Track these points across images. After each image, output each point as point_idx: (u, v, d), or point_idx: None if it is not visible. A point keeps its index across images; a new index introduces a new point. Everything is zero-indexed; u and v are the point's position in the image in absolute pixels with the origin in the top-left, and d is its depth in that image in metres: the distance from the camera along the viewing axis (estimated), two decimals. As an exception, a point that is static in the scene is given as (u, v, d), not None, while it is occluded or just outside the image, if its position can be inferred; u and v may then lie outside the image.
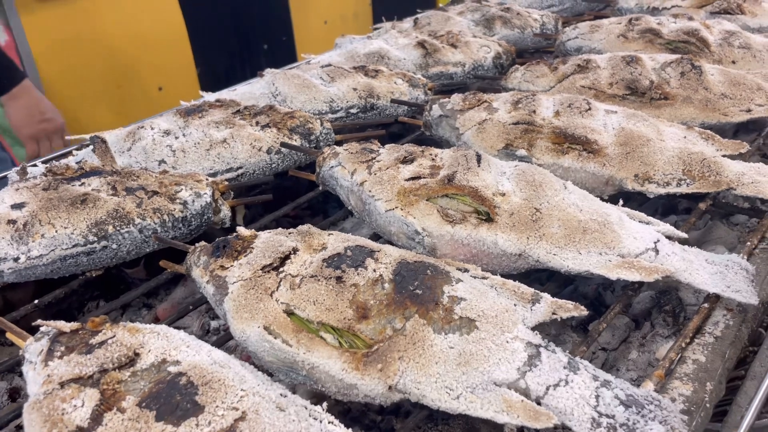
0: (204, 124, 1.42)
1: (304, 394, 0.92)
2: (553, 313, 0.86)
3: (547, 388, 0.76)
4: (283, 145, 1.41)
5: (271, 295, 0.88)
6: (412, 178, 1.11)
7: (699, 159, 1.19)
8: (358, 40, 2.16)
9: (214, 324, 1.25)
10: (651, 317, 1.13)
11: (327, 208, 1.65)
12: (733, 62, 1.63)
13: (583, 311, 0.87)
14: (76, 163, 1.30)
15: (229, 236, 1.01)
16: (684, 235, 1.05)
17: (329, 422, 0.73)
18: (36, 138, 2.04)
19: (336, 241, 0.97)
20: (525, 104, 1.37)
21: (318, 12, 3.64)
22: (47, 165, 1.26)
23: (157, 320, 1.27)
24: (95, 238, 1.10)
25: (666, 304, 1.12)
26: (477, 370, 0.77)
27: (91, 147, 1.42)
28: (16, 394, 1.16)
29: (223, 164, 1.37)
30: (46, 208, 1.10)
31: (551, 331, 1.09)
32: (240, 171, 1.38)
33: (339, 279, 0.88)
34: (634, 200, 1.26)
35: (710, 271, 0.97)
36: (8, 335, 0.89)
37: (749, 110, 1.40)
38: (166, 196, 1.18)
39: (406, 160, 1.16)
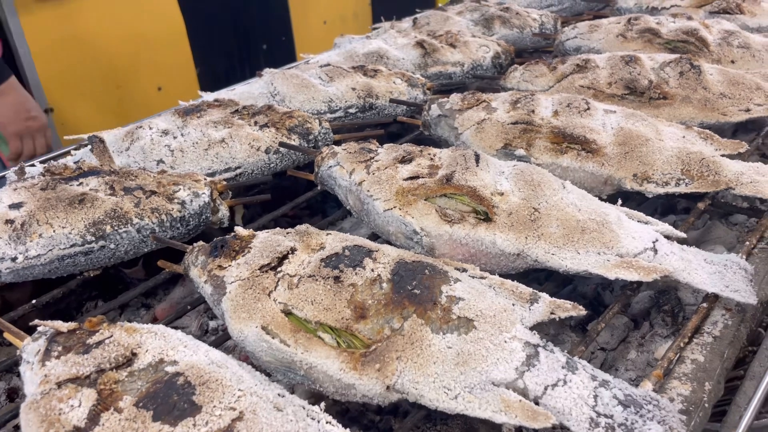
0: (202, 124, 1.42)
1: (302, 394, 0.92)
2: (552, 313, 0.86)
3: (546, 388, 0.75)
4: (281, 144, 1.40)
5: (269, 295, 0.88)
6: (411, 178, 1.11)
7: (698, 159, 1.19)
8: (357, 39, 2.16)
9: (212, 324, 1.25)
10: (650, 317, 1.13)
11: (326, 208, 1.65)
12: (732, 62, 1.62)
13: (581, 311, 0.87)
14: (74, 162, 1.30)
15: (227, 236, 1.01)
16: (683, 234, 1.05)
17: (327, 422, 0.73)
18: (20, 135, 2.04)
19: (334, 240, 0.96)
20: (524, 104, 1.37)
21: (317, 12, 3.64)
22: (45, 165, 1.25)
23: (155, 320, 1.27)
24: (93, 238, 1.10)
25: (665, 304, 1.12)
26: (475, 370, 0.76)
27: (89, 147, 1.42)
28: (15, 395, 1.16)
29: (222, 164, 1.37)
30: (44, 207, 1.10)
31: (550, 330, 1.09)
32: (238, 171, 1.38)
33: (337, 279, 0.87)
34: (633, 200, 1.26)
35: (709, 270, 0.96)
36: (6, 335, 0.89)
37: (748, 110, 1.40)
38: (164, 196, 1.18)
39: (405, 160, 1.16)
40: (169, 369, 0.74)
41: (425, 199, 1.07)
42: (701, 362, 0.88)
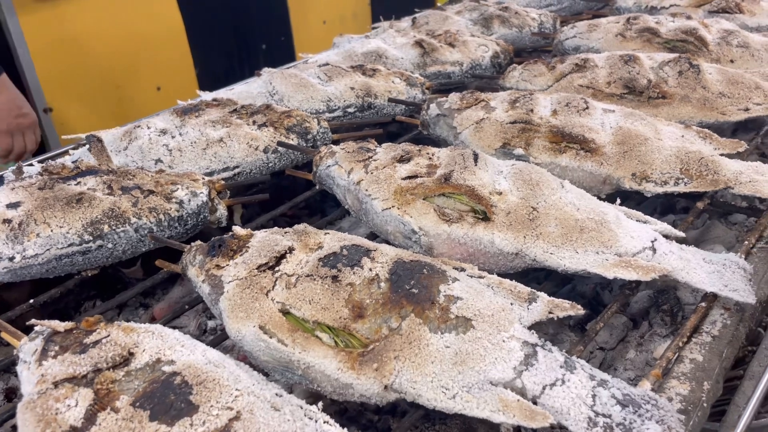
0: (201, 124, 1.42)
1: (300, 394, 0.92)
2: (550, 312, 0.86)
3: (544, 388, 0.75)
4: (279, 144, 1.40)
5: (266, 295, 0.88)
6: (409, 177, 1.11)
7: (697, 158, 1.19)
8: (356, 39, 2.16)
9: (211, 323, 1.25)
10: (649, 316, 1.13)
11: (324, 208, 1.65)
12: (732, 61, 1.62)
13: (579, 310, 0.87)
14: (72, 162, 1.30)
15: (224, 235, 1.01)
16: (681, 234, 1.05)
17: (324, 422, 0.73)
18: (11, 132, 2.04)
19: (332, 240, 0.96)
20: (522, 103, 1.37)
21: (317, 12, 3.64)
22: (43, 164, 1.25)
23: (153, 320, 1.27)
24: (91, 238, 1.10)
25: (664, 304, 1.12)
26: (473, 370, 0.76)
27: (87, 146, 1.42)
28: (12, 394, 1.16)
29: (220, 163, 1.37)
30: (42, 207, 1.10)
31: (549, 330, 1.09)
32: (237, 170, 1.38)
33: (335, 278, 0.87)
34: (632, 199, 1.26)
35: (708, 270, 0.96)
36: (3, 335, 0.89)
37: (747, 109, 1.40)
38: (162, 196, 1.18)
39: (403, 159, 1.16)
40: (166, 368, 0.74)
41: (423, 199, 1.07)
42: (700, 362, 0.88)
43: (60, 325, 0.80)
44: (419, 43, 1.89)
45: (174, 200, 1.18)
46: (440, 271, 0.89)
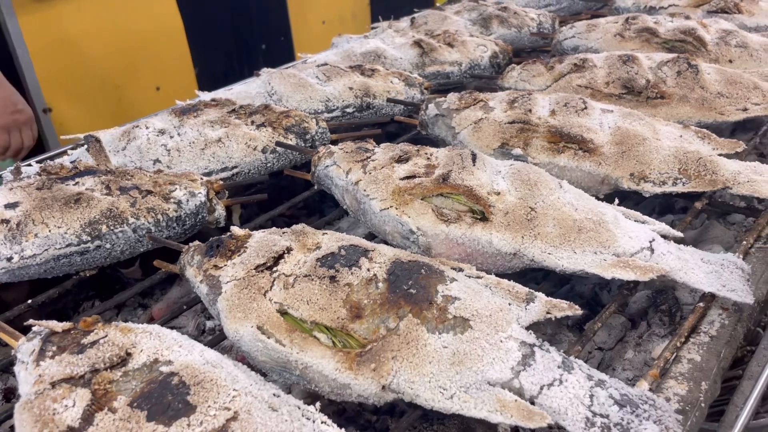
0: (199, 124, 1.42)
1: (299, 394, 0.92)
2: (548, 313, 0.86)
3: (541, 388, 0.75)
4: (278, 144, 1.40)
5: (264, 295, 0.88)
6: (407, 177, 1.11)
7: (695, 158, 1.18)
8: (355, 39, 2.16)
9: (209, 324, 1.25)
10: (647, 316, 1.13)
11: (323, 208, 1.65)
12: (730, 61, 1.62)
13: (577, 311, 0.86)
14: (71, 162, 1.30)
15: (222, 236, 1.01)
16: (679, 234, 1.05)
17: (322, 422, 0.73)
18: (7, 129, 2.04)
19: (330, 240, 0.96)
20: (521, 103, 1.37)
21: (316, 12, 3.64)
22: (41, 164, 1.25)
23: (152, 320, 1.27)
24: (89, 238, 1.10)
25: (662, 304, 1.12)
26: (471, 370, 0.76)
27: (86, 146, 1.42)
28: (11, 395, 1.16)
29: (218, 163, 1.37)
30: (40, 207, 1.10)
31: (547, 330, 1.08)
32: (235, 170, 1.38)
33: (333, 278, 0.87)
34: (631, 199, 1.26)
35: (706, 270, 0.96)
36: (1, 335, 0.89)
37: (745, 109, 1.40)
38: (160, 196, 1.18)
39: (401, 159, 1.16)
40: (164, 369, 0.74)
41: (422, 199, 1.07)
42: (698, 362, 0.88)
43: (58, 326, 0.80)
44: (418, 43, 1.89)
45: (172, 200, 1.18)
46: (438, 272, 0.89)
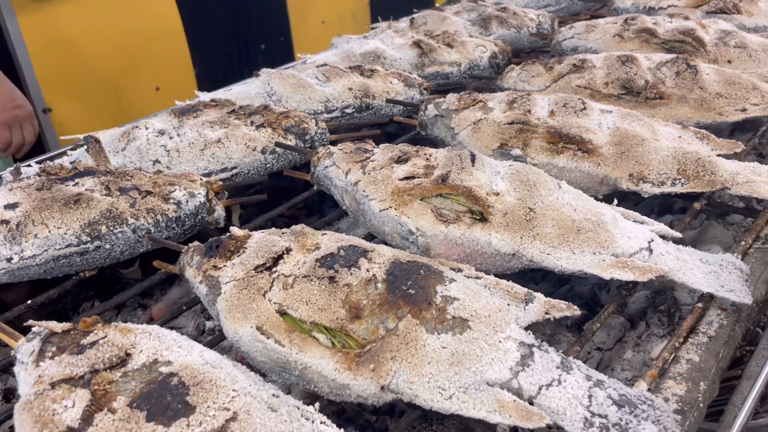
0: (198, 124, 1.42)
1: (298, 395, 0.92)
2: (547, 313, 0.86)
3: (540, 388, 0.75)
4: (277, 144, 1.40)
5: (263, 295, 0.88)
6: (407, 178, 1.11)
7: (694, 158, 1.19)
8: (355, 39, 2.16)
9: (209, 324, 1.25)
10: (646, 317, 1.13)
11: (323, 208, 1.65)
12: (729, 62, 1.62)
13: (576, 311, 0.87)
14: (70, 163, 1.30)
15: (222, 236, 1.01)
16: (678, 234, 1.05)
17: (321, 422, 0.73)
18: (8, 125, 2.03)
19: (329, 241, 0.96)
20: (520, 104, 1.37)
21: (316, 12, 3.64)
22: (41, 165, 1.25)
23: (152, 320, 1.27)
24: (88, 239, 1.10)
25: (661, 304, 1.12)
26: (469, 370, 0.76)
27: (85, 147, 1.42)
28: (11, 395, 1.16)
29: (218, 164, 1.37)
30: (40, 208, 1.10)
31: (546, 330, 1.09)
32: (234, 171, 1.38)
33: (332, 279, 0.87)
34: (630, 200, 1.26)
35: (704, 270, 0.96)
36: (0, 336, 0.89)
37: (744, 110, 1.40)
38: (159, 196, 1.18)
39: (401, 160, 1.16)
40: (163, 369, 0.74)
41: (421, 199, 1.07)
42: (696, 362, 0.88)
43: (57, 326, 0.80)
44: (417, 44, 1.89)
45: (172, 201, 1.19)
46: (437, 272, 0.89)
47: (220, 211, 1.26)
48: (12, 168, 1.29)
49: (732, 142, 1.26)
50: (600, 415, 0.73)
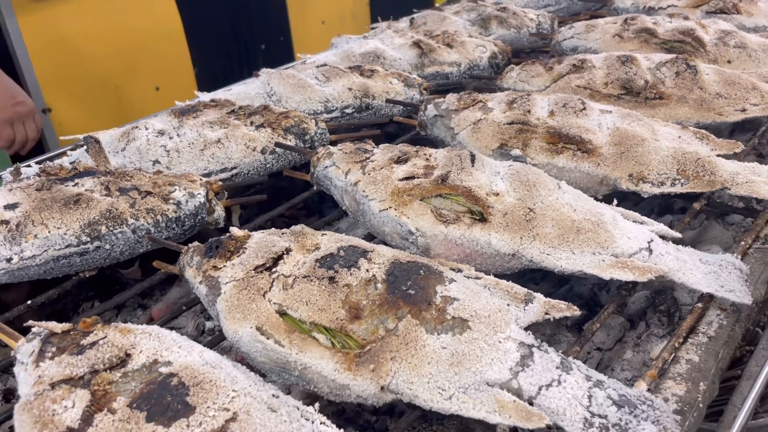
0: (198, 124, 1.42)
1: (298, 395, 0.92)
2: (546, 313, 0.86)
3: (540, 389, 0.75)
4: (277, 145, 1.40)
5: (263, 296, 0.88)
6: (406, 178, 1.11)
7: (693, 159, 1.19)
8: (354, 40, 2.16)
9: (209, 324, 1.25)
10: (646, 317, 1.13)
11: (323, 208, 1.65)
12: (729, 62, 1.62)
13: (575, 311, 0.87)
14: (70, 163, 1.30)
15: (222, 236, 1.01)
16: (678, 234, 1.05)
17: (321, 423, 0.73)
18: (10, 122, 2.03)
19: (329, 241, 0.96)
20: (520, 104, 1.37)
21: (316, 12, 3.64)
22: (41, 165, 1.25)
23: (152, 321, 1.27)
24: (88, 239, 1.10)
25: (661, 304, 1.12)
26: (469, 371, 0.76)
27: (85, 147, 1.42)
28: (11, 395, 1.16)
29: (218, 164, 1.37)
30: (39, 208, 1.10)
31: (546, 331, 1.09)
32: (234, 171, 1.38)
33: (332, 279, 0.87)
34: (629, 200, 1.26)
35: (704, 270, 0.96)
36: (0, 336, 0.89)
37: (744, 110, 1.40)
38: (159, 197, 1.18)
39: (400, 160, 1.16)
40: (163, 370, 0.74)
41: (421, 200, 1.07)
42: (696, 362, 0.88)
43: (57, 327, 0.80)
44: (417, 44, 1.89)
45: (171, 201, 1.19)
46: (437, 272, 0.89)
47: (219, 212, 1.26)
48: (12, 168, 1.29)
49: (732, 143, 1.26)
50: (600, 416, 0.73)
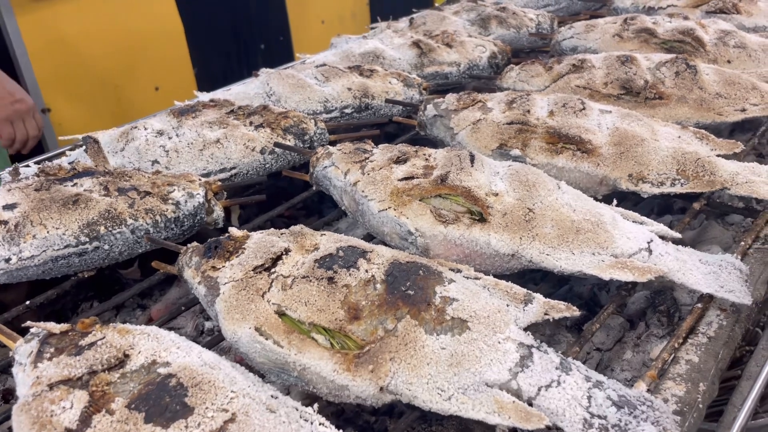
0: (197, 125, 1.41)
1: (297, 396, 0.92)
2: (546, 314, 0.86)
3: (539, 389, 0.75)
4: (276, 145, 1.40)
5: (262, 296, 0.88)
6: (406, 178, 1.11)
7: (693, 159, 1.19)
8: (354, 39, 2.16)
9: (208, 325, 1.25)
10: (646, 317, 1.13)
11: (322, 208, 1.65)
12: (729, 62, 1.62)
13: (575, 312, 0.87)
14: (69, 163, 1.30)
15: (221, 237, 1.01)
16: (677, 234, 1.05)
17: (320, 423, 0.73)
18: (10, 120, 2.02)
19: (328, 241, 0.96)
20: (519, 104, 1.37)
21: (315, 12, 3.64)
22: (40, 165, 1.25)
23: (150, 321, 1.27)
24: (87, 239, 1.10)
25: (661, 305, 1.12)
26: (469, 371, 0.76)
27: (84, 147, 1.42)
28: (9, 396, 1.16)
29: (217, 164, 1.37)
30: (38, 208, 1.10)
31: (546, 331, 1.09)
32: (233, 171, 1.38)
33: (331, 280, 0.87)
34: (629, 200, 1.26)
35: (704, 271, 0.96)
36: (-1, 336, 0.89)
37: (744, 110, 1.40)
38: (158, 197, 1.18)
39: (400, 160, 1.16)
40: (162, 370, 0.73)
41: (420, 200, 1.07)
42: (696, 363, 0.88)
43: (56, 327, 0.80)
44: (416, 44, 1.89)
45: (170, 201, 1.18)
46: (436, 273, 0.89)
47: (218, 212, 1.26)
48: (10, 168, 1.29)
49: (731, 143, 1.26)
50: (599, 416, 0.73)
